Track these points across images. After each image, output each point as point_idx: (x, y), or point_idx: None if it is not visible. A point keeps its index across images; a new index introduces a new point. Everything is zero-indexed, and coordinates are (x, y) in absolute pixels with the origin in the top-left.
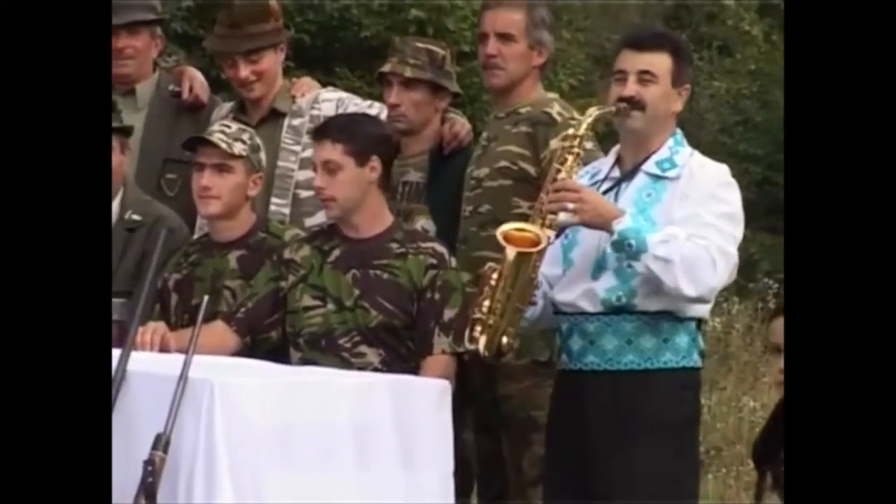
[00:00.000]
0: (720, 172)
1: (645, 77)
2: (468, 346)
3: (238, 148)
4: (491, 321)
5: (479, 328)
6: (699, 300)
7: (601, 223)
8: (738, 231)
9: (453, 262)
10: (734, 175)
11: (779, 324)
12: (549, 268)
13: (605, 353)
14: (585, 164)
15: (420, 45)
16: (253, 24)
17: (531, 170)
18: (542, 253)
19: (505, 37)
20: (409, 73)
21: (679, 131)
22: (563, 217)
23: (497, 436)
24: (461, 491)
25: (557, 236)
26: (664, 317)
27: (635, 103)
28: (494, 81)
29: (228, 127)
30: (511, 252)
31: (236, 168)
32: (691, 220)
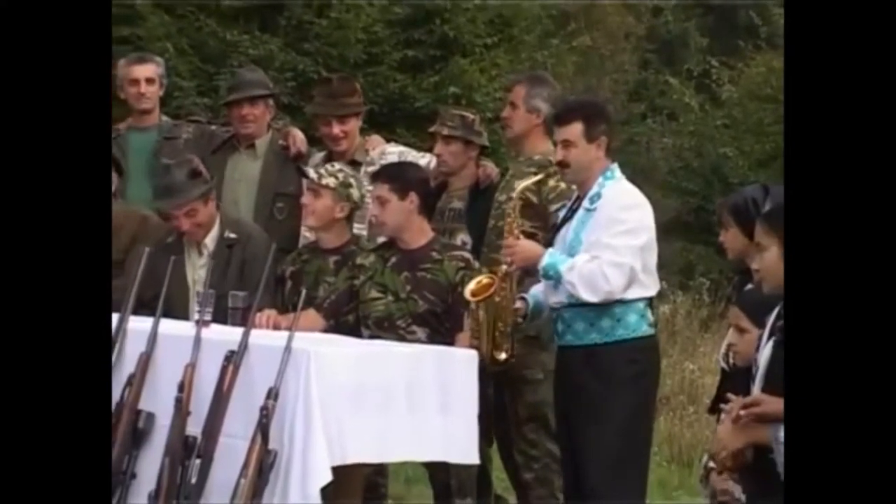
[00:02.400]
0: (624, 196)
1: (565, 144)
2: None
3: (327, 180)
4: (484, 347)
5: (482, 351)
6: (603, 303)
7: (531, 264)
8: (633, 241)
9: (476, 264)
10: (678, 205)
11: (734, 309)
12: (540, 288)
13: (577, 333)
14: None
15: (455, 112)
16: (343, 96)
17: (534, 198)
18: (501, 291)
19: (512, 105)
20: (446, 131)
21: (613, 167)
22: (505, 266)
23: (502, 389)
24: (483, 433)
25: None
26: (616, 303)
27: (563, 165)
28: (505, 134)
29: (332, 166)
30: (474, 301)
31: (324, 194)
32: (596, 243)
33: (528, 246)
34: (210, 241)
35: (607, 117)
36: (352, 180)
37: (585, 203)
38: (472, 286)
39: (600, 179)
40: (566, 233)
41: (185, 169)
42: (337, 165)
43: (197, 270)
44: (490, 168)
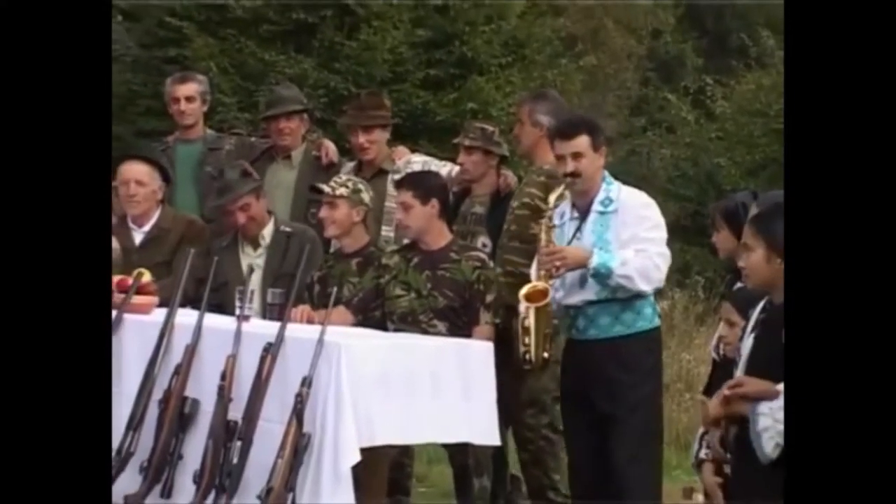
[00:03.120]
0: (639, 196)
1: (575, 156)
2: (525, 367)
3: (340, 191)
4: (533, 349)
5: (527, 356)
6: (655, 290)
7: (582, 265)
8: (663, 233)
9: (491, 263)
10: (676, 210)
11: (725, 304)
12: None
13: (602, 327)
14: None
15: (477, 125)
16: (372, 109)
17: (542, 205)
18: (544, 295)
19: (520, 122)
20: (468, 142)
21: (605, 173)
22: (560, 271)
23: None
24: (503, 419)
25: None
26: (636, 297)
27: (575, 175)
28: (517, 148)
29: (339, 178)
30: (532, 309)
31: (340, 204)
32: (633, 238)
33: (575, 251)
34: (267, 233)
35: (601, 130)
36: (361, 186)
37: (597, 207)
38: (525, 291)
39: (603, 185)
40: (580, 235)
41: (237, 169)
42: (344, 176)
43: (254, 261)
44: (510, 177)
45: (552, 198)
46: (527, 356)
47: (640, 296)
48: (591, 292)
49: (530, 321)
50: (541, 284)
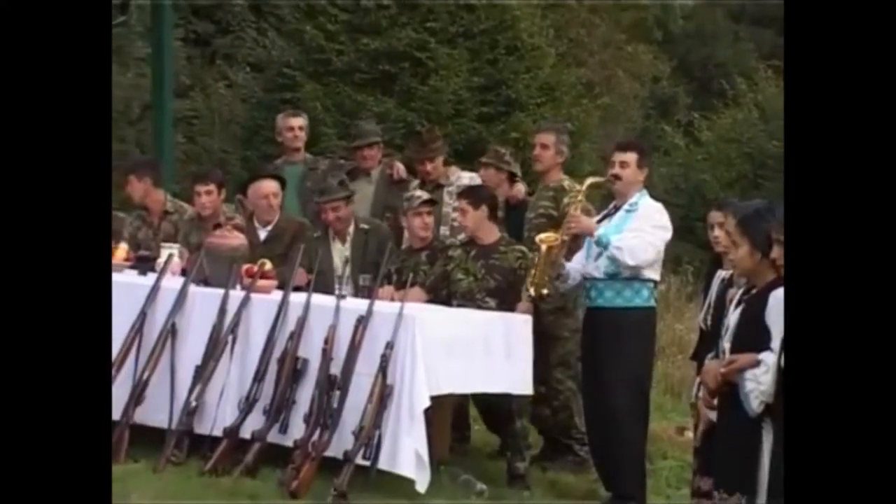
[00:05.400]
0: (655, 206)
1: (623, 164)
2: (525, 292)
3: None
4: (535, 281)
5: (531, 288)
6: (638, 267)
7: (587, 231)
8: (663, 233)
9: (530, 255)
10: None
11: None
12: (577, 263)
13: (607, 298)
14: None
15: (493, 147)
16: (431, 143)
17: (554, 213)
18: (561, 244)
19: (543, 146)
20: (483, 160)
21: (644, 190)
22: (572, 229)
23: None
24: (536, 377)
25: (572, 240)
26: (635, 280)
27: (616, 178)
28: (535, 167)
29: (421, 193)
30: (544, 245)
31: (423, 212)
32: (638, 228)
33: (588, 220)
34: (351, 231)
35: (650, 157)
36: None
37: (625, 207)
38: (542, 236)
39: (637, 195)
40: (607, 223)
41: (336, 179)
42: (420, 192)
43: (342, 254)
44: (516, 189)
45: (586, 182)
46: (530, 288)
47: (638, 278)
48: (600, 269)
49: (539, 261)
50: (553, 234)
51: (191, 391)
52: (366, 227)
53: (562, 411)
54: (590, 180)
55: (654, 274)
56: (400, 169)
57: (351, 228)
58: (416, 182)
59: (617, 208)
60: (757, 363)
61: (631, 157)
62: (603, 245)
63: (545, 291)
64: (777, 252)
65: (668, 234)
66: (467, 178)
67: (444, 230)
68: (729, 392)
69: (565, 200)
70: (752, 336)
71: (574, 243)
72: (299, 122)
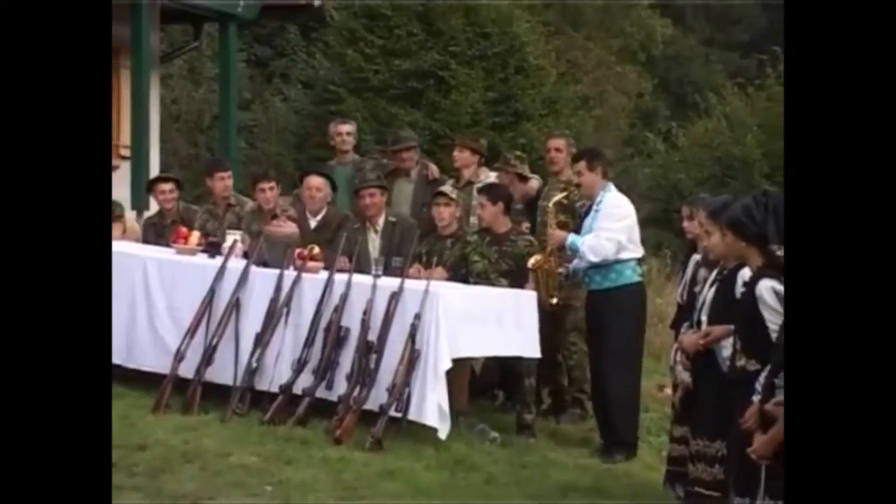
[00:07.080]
0: (615, 200)
1: (578, 173)
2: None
3: (453, 195)
4: (544, 295)
5: (540, 296)
6: (605, 260)
7: (559, 244)
8: (619, 223)
9: (536, 242)
10: (652, 207)
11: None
12: (575, 259)
13: (597, 281)
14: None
15: (504, 153)
16: (471, 142)
17: (564, 202)
18: (547, 260)
19: (557, 150)
20: (496, 165)
21: (609, 184)
22: (549, 245)
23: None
24: (552, 344)
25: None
26: (616, 263)
27: (578, 185)
28: (551, 168)
29: (449, 188)
30: (538, 272)
31: (452, 204)
32: (598, 227)
33: (557, 234)
34: (381, 223)
35: (602, 156)
36: (454, 193)
37: (594, 206)
38: (531, 262)
39: (602, 192)
40: (587, 224)
41: (376, 172)
42: (445, 187)
43: (374, 242)
44: (529, 186)
45: (552, 200)
46: (543, 298)
47: (620, 262)
48: (585, 261)
49: (540, 278)
50: (539, 257)
51: (252, 354)
52: (394, 219)
53: (576, 369)
54: (556, 198)
55: (631, 253)
56: (434, 170)
57: (382, 219)
58: (448, 180)
59: (589, 209)
60: (730, 333)
61: (581, 165)
62: (573, 251)
63: (553, 301)
64: (739, 236)
65: (629, 220)
66: (492, 177)
67: (473, 220)
68: (704, 355)
69: (558, 196)
70: (724, 310)
71: (561, 252)
72: (348, 128)
